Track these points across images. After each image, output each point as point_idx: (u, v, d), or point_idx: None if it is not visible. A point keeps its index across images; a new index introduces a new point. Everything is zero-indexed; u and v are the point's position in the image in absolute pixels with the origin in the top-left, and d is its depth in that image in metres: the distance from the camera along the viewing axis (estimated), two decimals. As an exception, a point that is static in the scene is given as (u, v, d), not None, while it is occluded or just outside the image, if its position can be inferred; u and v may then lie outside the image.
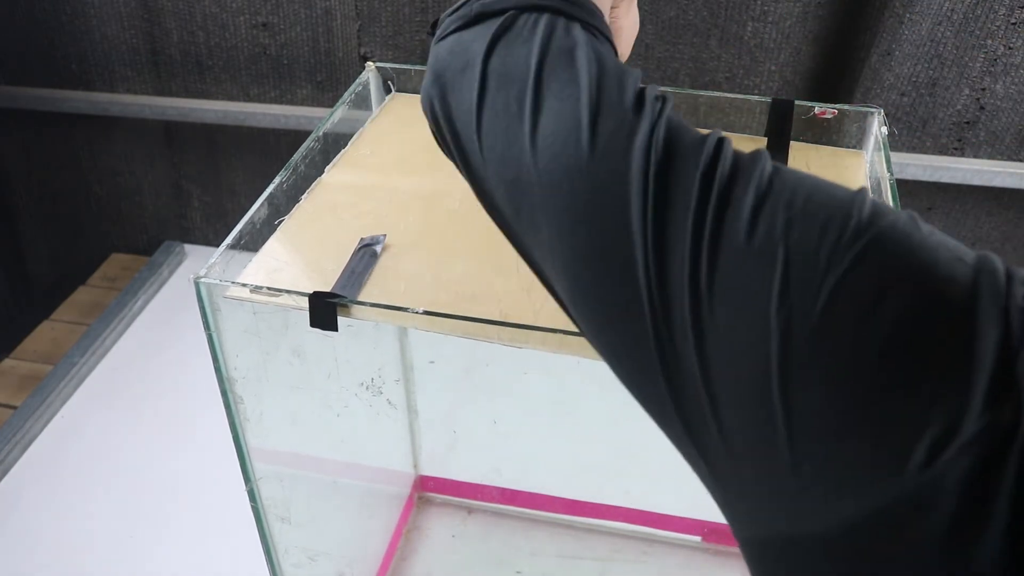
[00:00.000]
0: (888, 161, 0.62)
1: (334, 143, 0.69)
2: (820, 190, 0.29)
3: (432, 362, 0.91)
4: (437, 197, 0.63)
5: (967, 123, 1.02)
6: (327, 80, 1.18)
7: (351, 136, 0.71)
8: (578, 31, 0.37)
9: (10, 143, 1.33)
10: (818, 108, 0.70)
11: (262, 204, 0.59)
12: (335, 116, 0.69)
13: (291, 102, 1.21)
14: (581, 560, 0.91)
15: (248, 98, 1.21)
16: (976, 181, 1.07)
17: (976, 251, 0.27)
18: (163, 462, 0.99)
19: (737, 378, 0.28)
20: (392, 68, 0.76)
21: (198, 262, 1.21)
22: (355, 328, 0.72)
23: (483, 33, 0.37)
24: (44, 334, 1.22)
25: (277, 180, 0.61)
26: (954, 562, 0.23)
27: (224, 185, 1.31)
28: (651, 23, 1.05)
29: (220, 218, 1.35)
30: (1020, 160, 1.06)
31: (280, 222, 0.61)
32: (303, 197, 0.63)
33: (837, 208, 0.28)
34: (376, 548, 0.89)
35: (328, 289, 0.52)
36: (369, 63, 0.76)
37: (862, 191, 0.29)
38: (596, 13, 0.39)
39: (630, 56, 1.12)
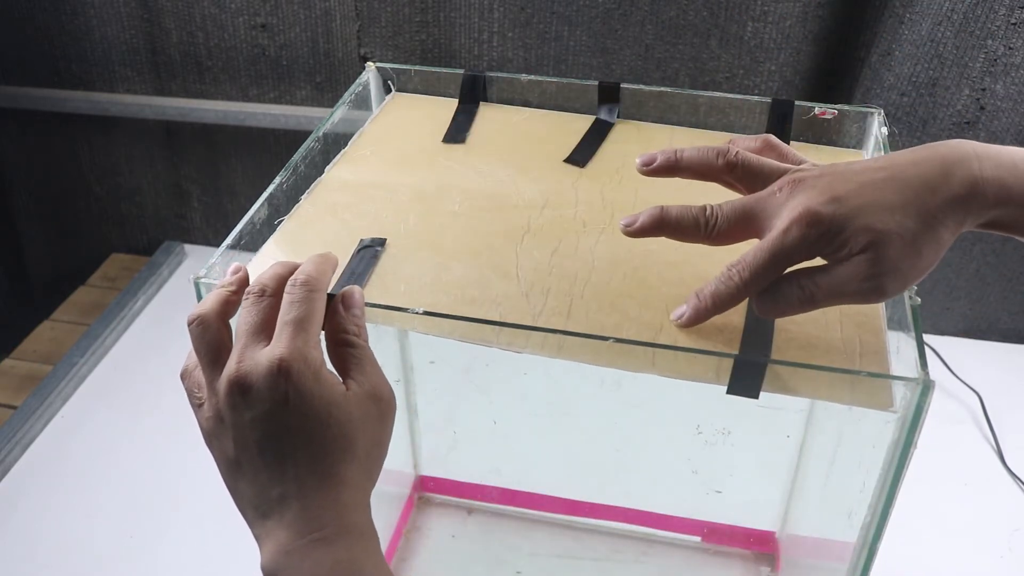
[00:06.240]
0: (888, 161, 0.62)
1: (334, 143, 0.69)
2: None
3: (432, 362, 0.91)
4: (437, 198, 0.63)
5: (967, 123, 1.02)
6: (327, 81, 1.18)
7: (351, 136, 0.71)
8: None
9: (10, 143, 1.33)
10: (818, 108, 0.71)
11: (262, 204, 0.59)
12: (335, 116, 0.70)
13: (290, 102, 1.21)
14: (581, 560, 0.91)
15: (247, 99, 1.22)
16: (976, 181, 1.06)
17: None
18: (163, 462, 0.99)
19: None
20: (392, 68, 0.76)
21: (198, 262, 1.22)
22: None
23: None
24: (44, 334, 1.21)
25: (277, 180, 0.61)
26: None
27: (224, 185, 1.31)
28: (651, 23, 1.05)
29: (220, 218, 1.35)
30: (1020, 160, 1.06)
31: (280, 222, 0.61)
32: (303, 197, 0.63)
33: None
34: (376, 548, 0.89)
35: (328, 290, 0.52)
36: (369, 63, 0.76)
37: None
38: None
39: (630, 56, 1.12)
